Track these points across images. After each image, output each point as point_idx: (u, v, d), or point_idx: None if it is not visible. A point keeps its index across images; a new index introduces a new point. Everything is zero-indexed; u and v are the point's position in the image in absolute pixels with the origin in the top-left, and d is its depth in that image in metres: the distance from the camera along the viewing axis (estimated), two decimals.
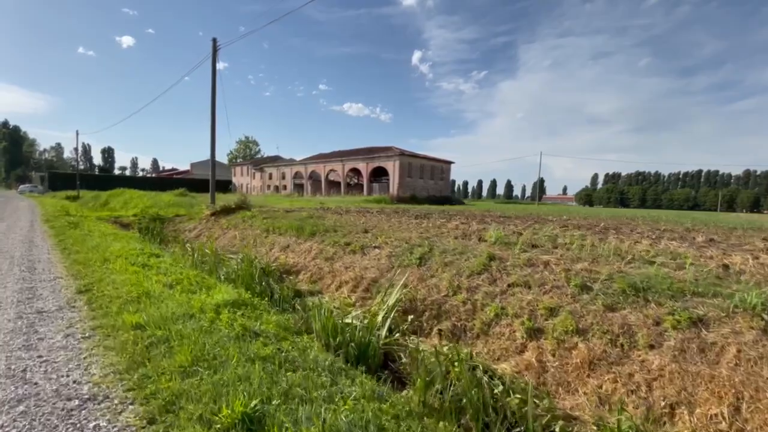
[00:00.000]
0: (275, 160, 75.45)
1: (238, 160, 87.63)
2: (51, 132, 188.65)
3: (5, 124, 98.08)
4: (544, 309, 4.64)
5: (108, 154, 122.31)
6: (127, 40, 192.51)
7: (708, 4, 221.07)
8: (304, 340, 3.86)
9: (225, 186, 76.01)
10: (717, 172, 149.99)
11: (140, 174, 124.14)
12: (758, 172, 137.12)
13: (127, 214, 17.47)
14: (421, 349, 4.56)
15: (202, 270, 8.70)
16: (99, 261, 6.78)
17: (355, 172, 56.75)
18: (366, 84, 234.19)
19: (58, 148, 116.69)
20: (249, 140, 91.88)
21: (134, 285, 5.09)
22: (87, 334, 3.44)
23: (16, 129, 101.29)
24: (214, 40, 15.72)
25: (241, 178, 79.15)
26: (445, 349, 4.50)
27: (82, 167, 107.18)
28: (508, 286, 5.28)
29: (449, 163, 56.17)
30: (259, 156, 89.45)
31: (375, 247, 7.88)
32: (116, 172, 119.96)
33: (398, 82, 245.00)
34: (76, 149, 59.25)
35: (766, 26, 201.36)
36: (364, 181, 52.85)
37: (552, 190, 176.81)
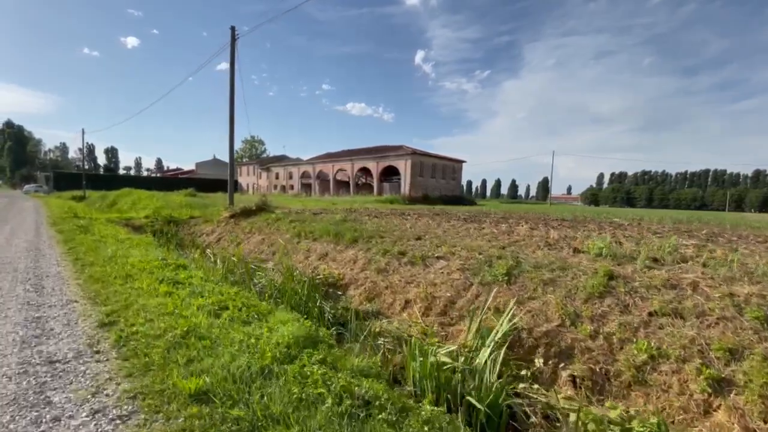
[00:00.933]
0: (282, 159, 74.42)
1: (244, 160, 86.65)
2: (56, 131, 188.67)
3: (9, 123, 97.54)
4: (719, 350, 3.47)
5: (112, 153, 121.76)
6: (131, 41, 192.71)
7: (712, 3, 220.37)
8: (426, 410, 2.68)
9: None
10: (724, 171, 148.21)
11: (144, 174, 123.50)
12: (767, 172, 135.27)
13: (139, 216, 16.39)
14: (560, 406, 3.39)
15: (232, 281, 7.58)
16: (120, 277, 5.65)
17: (365, 171, 55.59)
18: (369, 84, 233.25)
19: (62, 148, 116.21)
20: (255, 139, 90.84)
21: (172, 315, 3.96)
22: (125, 410, 2.30)
23: (21, 129, 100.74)
24: (233, 29, 14.60)
25: (247, 177, 78.15)
26: (594, 408, 3.33)
27: (86, 167, 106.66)
28: (650, 315, 4.10)
29: (461, 162, 54.92)
30: (264, 156, 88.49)
31: (438, 257, 6.72)
32: (121, 171, 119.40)
33: (401, 81, 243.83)
34: (81, 149, 58.39)
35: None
36: (375, 181, 51.69)
37: (555, 189, 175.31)
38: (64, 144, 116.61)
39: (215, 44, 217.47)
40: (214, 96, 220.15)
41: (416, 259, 6.82)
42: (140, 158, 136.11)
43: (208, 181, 68.85)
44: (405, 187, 47.34)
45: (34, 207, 23.32)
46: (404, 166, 47.22)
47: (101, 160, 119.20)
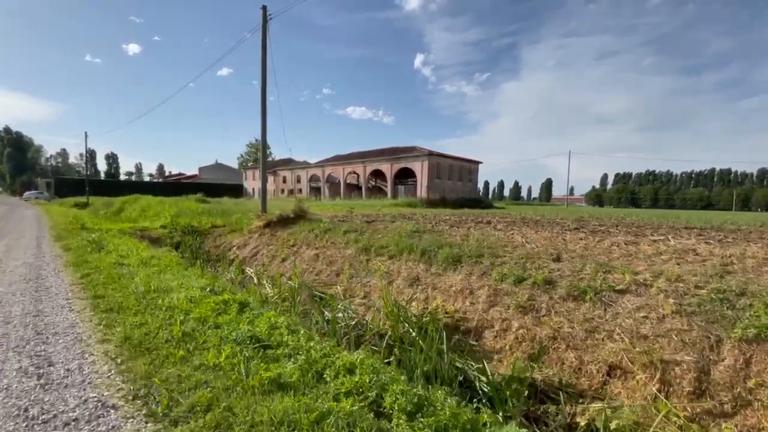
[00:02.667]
0: (288, 163, 72.47)
1: (249, 164, 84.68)
2: (57, 138, 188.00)
3: (7, 129, 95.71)
4: None
5: (113, 159, 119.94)
6: (133, 48, 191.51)
7: (713, 3, 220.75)
8: None
9: (237, 191, 73.20)
10: (730, 170, 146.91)
11: (147, 179, 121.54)
12: None
13: (154, 226, 14.34)
14: None
15: (293, 314, 5.53)
16: (173, 341, 3.57)
17: (377, 174, 53.65)
18: (369, 87, 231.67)
19: (63, 154, 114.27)
20: (259, 143, 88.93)
21: None
22: None
23: (20, 135, 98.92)
24: (264, 9, 12.61)
25: (253, 182, 76.20)
26: None
27: (88, 173, 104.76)
28: None
29: (477, 162, 52.94)
30: (270, 159, 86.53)
31: (621, 291, 4.65)
32: (122, 177, 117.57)
33: (401, 85, 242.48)
34: (84, 153, 56.41)
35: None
36: (388, 184, 49.73)
37: (557, 190, 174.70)
38: (64, 150, 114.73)
39: (217, 50, 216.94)
40: (215, 101, 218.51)
41: (584, 292, 4.74)
42: (141, 164, 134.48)
43: (212, 186, 66.94)
44: (421, 189, 45.37)
45: (34, 216, 21.29)
46: (420, 168, 45.25)
47: (101, 166, 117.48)
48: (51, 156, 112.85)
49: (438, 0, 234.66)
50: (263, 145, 13.29)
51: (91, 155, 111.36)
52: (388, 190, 50.00)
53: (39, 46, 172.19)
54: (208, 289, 5.55)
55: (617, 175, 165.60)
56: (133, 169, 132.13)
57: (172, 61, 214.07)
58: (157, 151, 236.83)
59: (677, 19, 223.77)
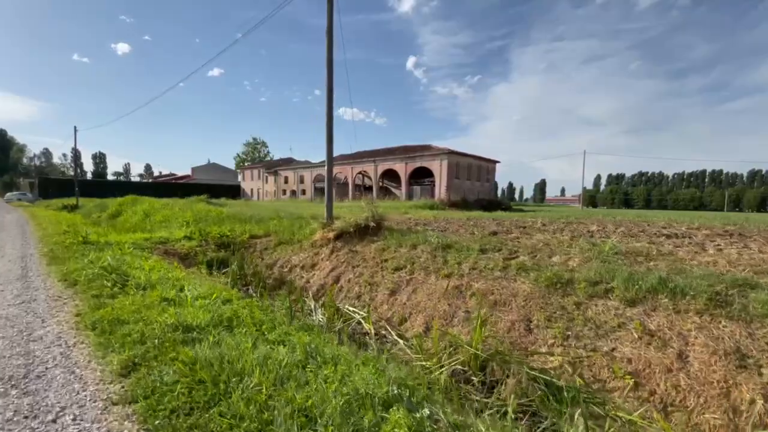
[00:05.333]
0: (290, 162, 68.97)
1: (247, 164, 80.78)
2: (41, 138, 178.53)
3: None
4: None
5: (100, 159, 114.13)
6: (122, 47, 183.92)
7: (698, 8, 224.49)
8: None
9: (234, 191, 69.30)
10: (721, 171, 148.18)
11: (135, 179, 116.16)
12: (764, 171, 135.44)
13: (175, 236, 11.04)
14: None
15: None
16: None
17: (387, 174, 50.58)
18: (362, 89, 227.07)
19: (46, 154, 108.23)
20: (257, 142, 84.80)
21: None
22: None
23: (3, 133, 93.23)
24: None
25: (251, 182, 72.40)
26: None
27: (71, 174, 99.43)
28: None
29: (495, 162, 50.27)
30: (268, 159, 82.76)
31: None
32: (110, 177, 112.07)
33: (393, 86, 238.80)
34: (70, 152, 52.12)
35: (754, 29, 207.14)
36: (403, 184, 46.67)
37: (549, 191, 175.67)
38: (47, 150, 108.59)
39: (208, 51, 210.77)
40: (205, 102, 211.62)
41: None
42: (129, 164, 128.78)
43: (207, 186, 62.87)
44: (440, 190, 42.48)
45: (17, 222, 17.67)
46: (439, 168, 42.35)
47: (88, 166, 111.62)
48: (34, 155, 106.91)
49: (431, 3, 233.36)
50: (329, 130, 10.11)
51: (76, 155, 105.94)
52: (402, 190, 46.92)
53: (23, 45, 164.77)
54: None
55: (610, 176, 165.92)
56: (120, 170, 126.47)
57: (162, 61, 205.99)
58: (145, 152, 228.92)
59: (663, 24, 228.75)
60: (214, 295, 5.22)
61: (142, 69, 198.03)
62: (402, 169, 45.99)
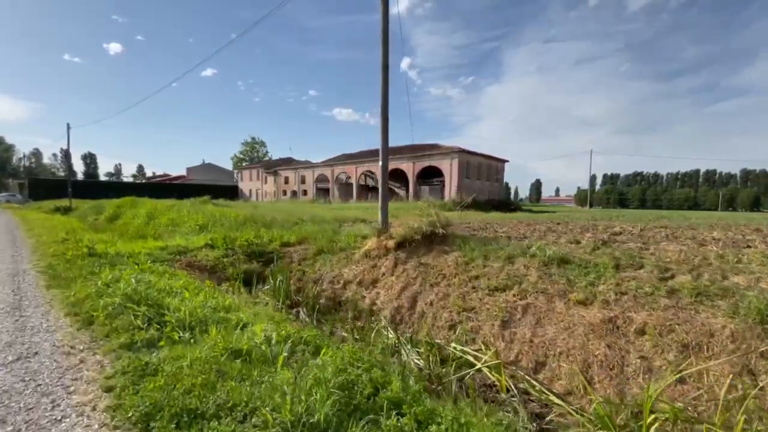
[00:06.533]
0: (289, 162, 67.12)
1: (245, 164, 78.68)
2: (31, 139, 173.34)
3: None
4: None
5: (90, 159, 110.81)
6: (115, 47, 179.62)
7: (688, 11, 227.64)
8: None
9: (232, 192, 67.17)
10: (714, 171, 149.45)
11: (127, 180, 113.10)
12: (757, 171, 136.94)
13: (195, 244, 9.39)
14: None
15: None
16: None
17: (394, 174, 49.03)
18: (356, 90, 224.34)
19: (36, 154, 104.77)
20: (256, 141, 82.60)
21: None
22: None
23: None
24: None
25: (249, 183, 70.37)
26: None
27: (62, 174, 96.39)
28: None
29: (504, 161, 48.98)
30: (266, 159, 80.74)
31: None
32: (102, 178, 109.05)
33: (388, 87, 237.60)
34: (60, 152, 49.86)
35: (741, 32, 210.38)
36: (410, 184, 45.17)
37: (544, 191, 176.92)
38: (37, 150, 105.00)
39: (202, 51, 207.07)
40: (198, 102, 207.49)
41: None
42: (120, 165, 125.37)
43: (204, 187, 60.64)
44: (450, 190, 41.06)
45: (6, 227, 15.83)
46: (449, 167, 40.93)
47: (78, 166, 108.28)
48: (24, 156, 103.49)
49: (424, 5, 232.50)
50: (384, 122, 8.51)
51: (66, 155, 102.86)
52: (410, 191, 45.42)
53: (13, 45, 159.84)
54: None
55: (605, 175, 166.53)
56: (112, 170, 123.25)
57: (155, 61, 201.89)
58: (137, 152, 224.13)
59: (653, 26, 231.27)
60: (283, 333, 3.66)
61: (135, 69, 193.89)
62: (410, 168, 44.52)
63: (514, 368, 4.41)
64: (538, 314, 4.94)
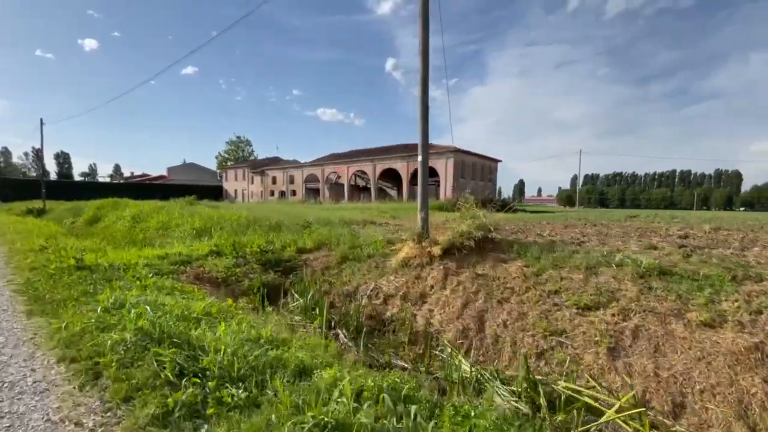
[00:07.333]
0: (277, 162, 65.28)
1: (230, 164, 76.26)
2: (0, 137, 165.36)
3: None
4: None
5: (64, 159, 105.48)
6: (90, 43, 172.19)
7: (662, 17, 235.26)
8: None
9: (216, 193, 64.82)
10: (689, 171, 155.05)
11: (102, 180, 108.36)
12: (730, 171, 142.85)
13: (198, 252, 8.17)
14: None
15: None
16: None
17: (385, 173, 48.04)
18: (340, 90, 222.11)
19: (5, 152, 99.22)
20: (241, 140, 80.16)
21: None
22: None
23: None
24: None
25: (234, 183, 68.12)
26: None
27: (34, 174, 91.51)
28: None
29: (497, 161, 48.66)
30: (252, 158, 78.50)
31: None
32: (77, 178, 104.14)
33: (372, 88, 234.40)
34: (35, 150, 46.86)
35: (711, 37, 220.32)
36: (404, 184, 44.25)
37: (527, 192, 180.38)
38: (6, 149, 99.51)
39: (182, 48, 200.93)
40: (178, 101, 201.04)
41: None
42: (95, 164, 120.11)
43: (186, 188, 58.23)
44: (445, 190, 40.35)
45: None
46: (444, 167, 40.21)
47: (50, 166, 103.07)
48: None
49: (408, 6, 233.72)
50: (424, 109, 7.47)
51: (37, 154, 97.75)
52: (404, 191, 44.51)
53: None
54: None
55: (586, 176, 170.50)
56: (87, 170, 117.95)
57: (132, 58, 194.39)
58: (113, 152, 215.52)
59: (629, 31, 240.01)
60: (370, 383, 2.64)
61: (111, 66, 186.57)
62: (403, 168, 43.58)
63: (649, 412, 3.48)
64: (654, 339, 4.04)
